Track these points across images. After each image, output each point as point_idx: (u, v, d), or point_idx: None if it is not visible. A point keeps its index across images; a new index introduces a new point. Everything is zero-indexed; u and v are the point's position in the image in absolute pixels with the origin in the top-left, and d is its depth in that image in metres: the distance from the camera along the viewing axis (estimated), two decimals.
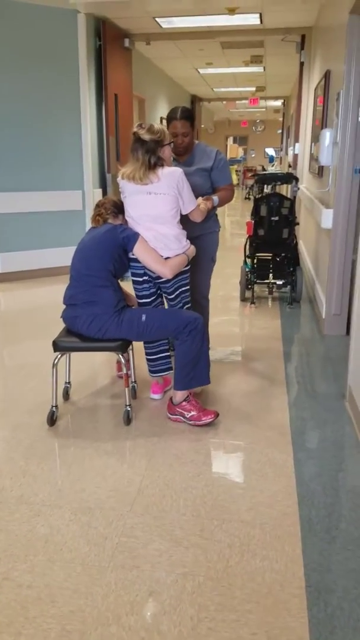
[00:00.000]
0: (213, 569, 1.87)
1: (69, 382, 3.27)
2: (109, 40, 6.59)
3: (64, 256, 6.41)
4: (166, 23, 6.86)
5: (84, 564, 1.90)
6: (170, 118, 3.14)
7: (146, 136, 2.72)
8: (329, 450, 2.61)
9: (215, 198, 3.18)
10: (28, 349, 4.01)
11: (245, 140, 25.03)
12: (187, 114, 3.11)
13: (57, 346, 2.81)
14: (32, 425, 2.86)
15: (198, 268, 3.30)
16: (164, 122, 2.71)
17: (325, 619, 1.67)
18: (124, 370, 2.86)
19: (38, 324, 4.58)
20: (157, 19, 6.64)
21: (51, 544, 1.99)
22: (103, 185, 6.85)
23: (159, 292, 3.02)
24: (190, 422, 2.86)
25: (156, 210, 2.79)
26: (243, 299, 5.29)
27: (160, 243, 2.82)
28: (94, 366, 3.70)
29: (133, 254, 2.84)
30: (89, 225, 6.56)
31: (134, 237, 2.79)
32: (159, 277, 2.90)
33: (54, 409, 2.89)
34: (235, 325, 4.55)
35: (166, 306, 3.11)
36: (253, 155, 24.09)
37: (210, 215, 3.29)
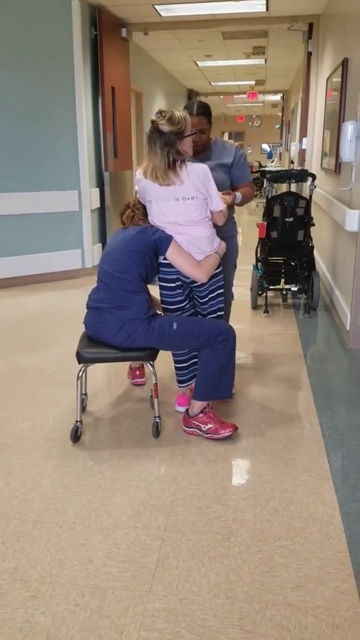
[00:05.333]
0: None
1: (85, 393, 3.01)
2: (105, 30, 6.16)
3: (59, 261, 5.99)
4: (166, 11, 6.43)
5: None
6: None
7: (165, 127, 2.41)
8: None
9: (237, 194, 2.90)
10: (23, 361, 3.59)
11: (241, 136, 24.62)
12: (203, 110, 2.82)
13: (81, 358, 2.57)
14: (26, 468, 2.45)
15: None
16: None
17: None
18: (153, 380, 2.63)
19: (33, 336, 4.15)
20: (156, 7, 6.21)
21: None
22: (100, 184, 6.41)
23: (190, 295, 2.77)
24: (207, 436, 2.68)
25: (184, 217, 2.53)
26: (255, 306, 4.89)
27: (193, 247, 2.57)
28: (103, 374, 3.28)
29: (165, 259, 2.59)
30: (86, 227, 6.19)
31: (167, 239, 2.54)
32: (194, 281, 2.66)
33: (78, 424, 2.68)
34: (248, 335, 4.14)
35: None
36: (250, 151, 23.68)
37: (228, 217, 2.98)
